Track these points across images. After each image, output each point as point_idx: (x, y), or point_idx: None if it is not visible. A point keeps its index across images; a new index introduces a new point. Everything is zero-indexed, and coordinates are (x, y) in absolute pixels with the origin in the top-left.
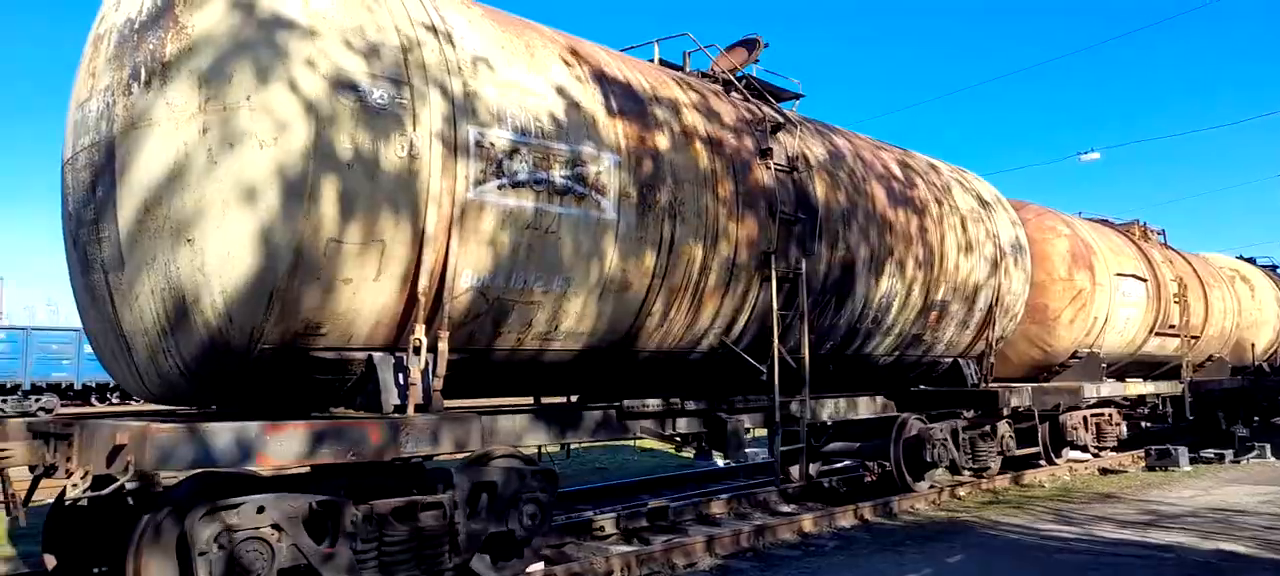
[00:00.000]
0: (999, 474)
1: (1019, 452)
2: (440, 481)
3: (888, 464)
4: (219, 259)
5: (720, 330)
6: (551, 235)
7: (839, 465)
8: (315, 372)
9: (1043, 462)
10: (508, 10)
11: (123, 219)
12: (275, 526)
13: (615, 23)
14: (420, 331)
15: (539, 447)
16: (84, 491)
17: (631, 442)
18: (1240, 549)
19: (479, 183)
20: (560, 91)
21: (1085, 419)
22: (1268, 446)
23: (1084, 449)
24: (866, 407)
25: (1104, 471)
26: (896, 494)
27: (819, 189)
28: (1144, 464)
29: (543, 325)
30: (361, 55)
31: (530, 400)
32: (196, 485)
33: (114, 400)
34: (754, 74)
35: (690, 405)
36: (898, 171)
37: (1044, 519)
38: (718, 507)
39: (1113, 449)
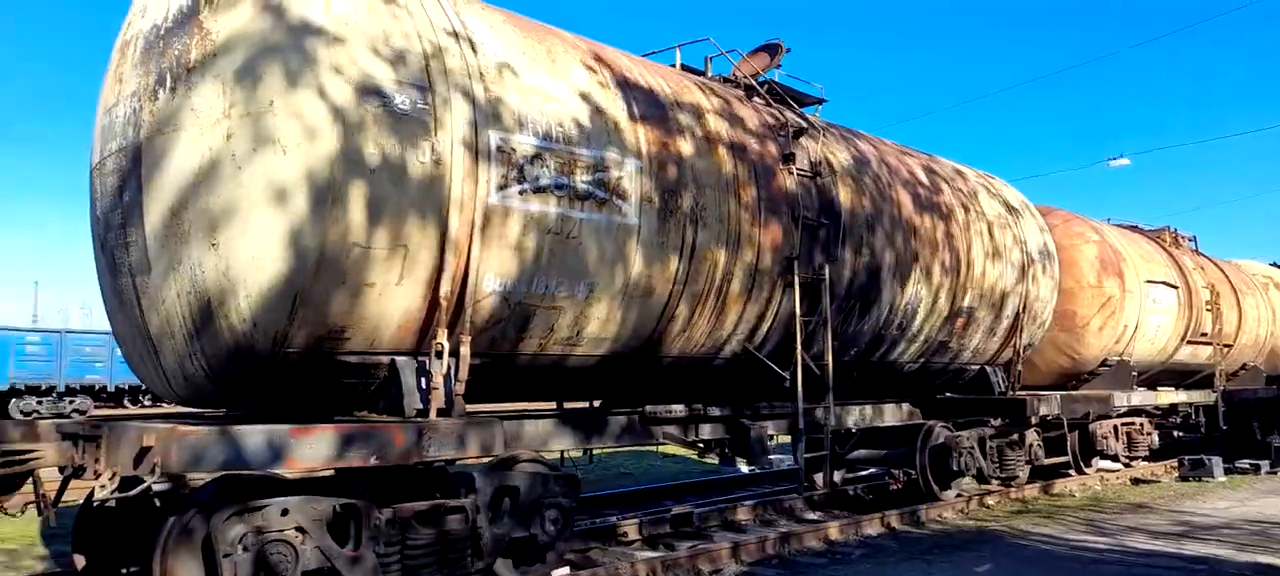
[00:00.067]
0: (1028, 483)
1: (1047, 462)
2: (463, 485)
3: (913, 472)
4: (245, 263)
5: (743, 336)
6: (574, 240)
7: (864, 472)
8: (340, 376)
9: (1072, 472)
10: (530, 16)
11: (149, 223)
12: (299, 529)
13: (635, 27)
14: (442, 335)
15: (562, 453)
16: (112, 492)
17: (655, 448)
18: (1278, 562)
19: (502, 188)
20: (583, 97)
21: (1116, 428)
22: None
23: (1115, 458)
24: (893, 415)
25: (1136, 481)
26: (923, 502)
27: (843, 194)
28: (1177, 474)
29: (566, 330)
30: (387, 62)
31: (552, 405)
32: (221, 487)
33: (146, 403)
34: (776, 79)
35: (714, 411)
36: (923, 177)
37: (1075, 529)
38: (743, 514)
39: (1144, 458)
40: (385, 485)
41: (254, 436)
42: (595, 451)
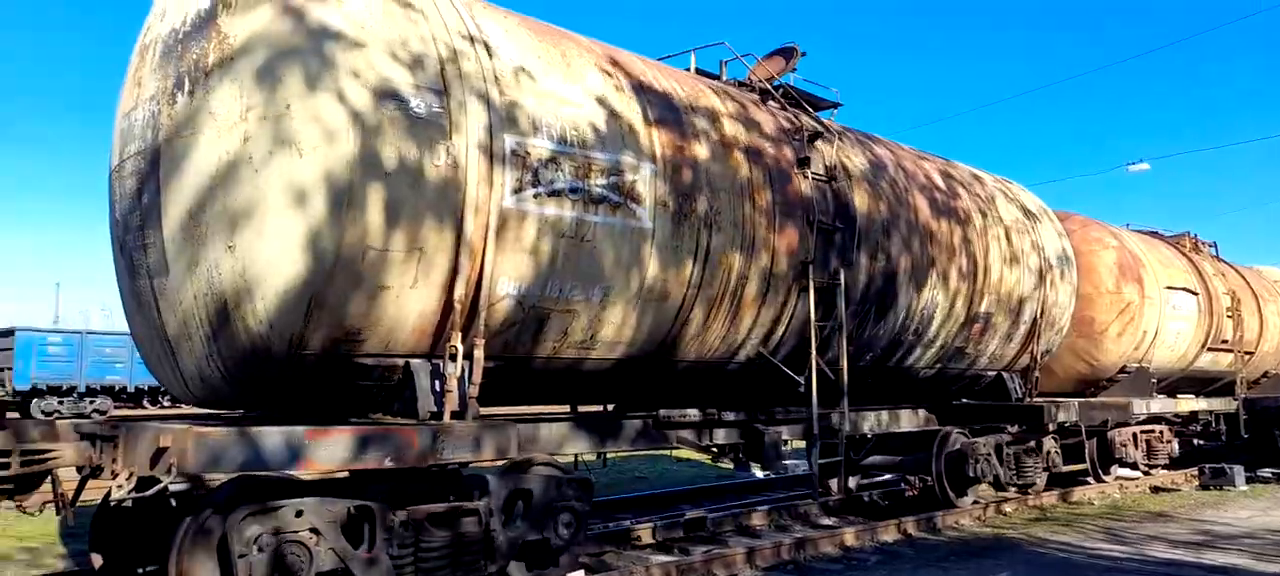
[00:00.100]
0: (1045, 490)
1: (1065, 469)
2: (476, 488)
3: (929, 478)
4: (262, 265)
5: (758, 340)
6: (589, 244)
7: (879, 479)
8: (356, 379)
9: (1090, 480)
10: (545, 20)
11: (167, 225)
12: (313, 530)
13: (649, 31)
14: (457, 338)
15: (575, 456)
16: (128, 492)
17: (669, 452)
18: None
19: (517, 191)
20: (599, 101)
21: (1135, 435)
22: None
23: (1133, 466)
24: (909, 420)
25: (1155, 489)
26: (939, 509)
27: (859, 198)
28: (1197, 482)
29: (581, 334)
30: (405, 66)
31: (566, 408)
32: (237, 488)
33: (165, 404)
34: (791, 83)
35: (728, 416)
36: (940, 182)
37: (1094, 537)
38: (757, 519)
39: (1164, 467)
40: (399, 487)
41: (272, 437)
42: (609, 455)
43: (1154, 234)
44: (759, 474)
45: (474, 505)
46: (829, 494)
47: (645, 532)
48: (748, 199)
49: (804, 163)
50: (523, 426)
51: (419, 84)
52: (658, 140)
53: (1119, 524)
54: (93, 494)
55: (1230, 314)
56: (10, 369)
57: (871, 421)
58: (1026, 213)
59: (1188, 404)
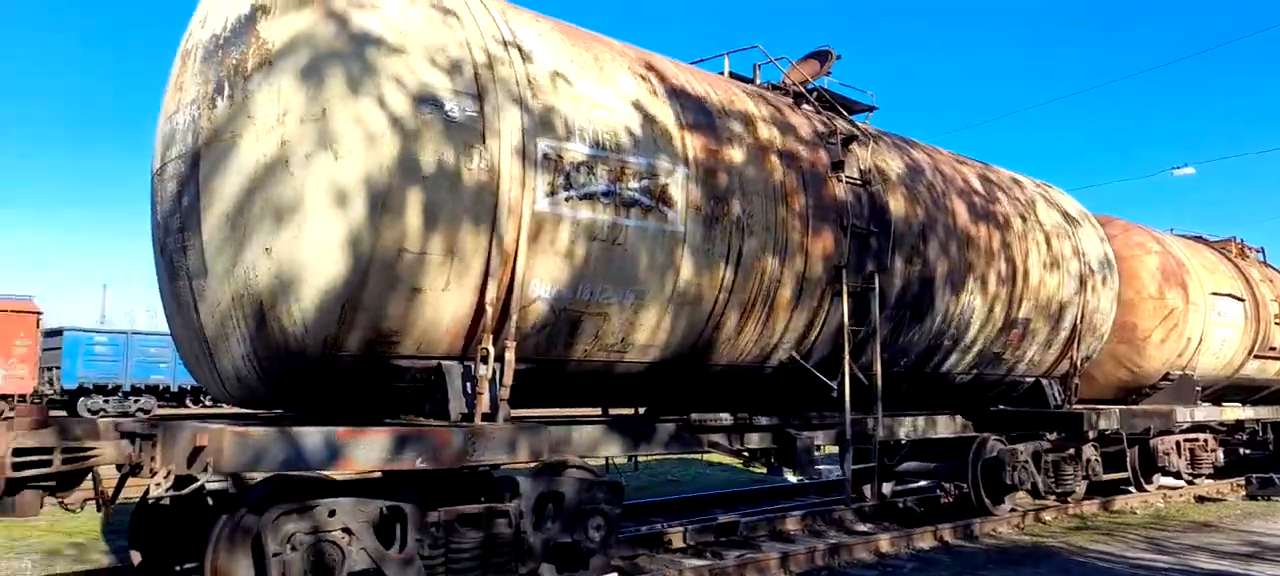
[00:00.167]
0: (1085, 499)
1: (1105, 477)
2: (507, 490)
3: (965, 485)
4: (299, 267)
5: (791, 345)
6: (621, 247)
7: (913, 485)
8: (390, 380)
9: (1132, 489)
10: (580, 24)
11: (206, 227)
12: (346, 530)
13: (682, 35)
14: (488, 341)
15: (607, 459)
16: (166, 490)
17: (700, 456)
18: None
19: (551, 194)
20: (633, 105)
21: (1178, 444)
22: None
23: (1177, 475)
24: (946, 426)
25: (1200, 499)
26: (974, 516)
27: (895, 203)
28: (1244, 493)
29: (613, 337)
30: (444, 71)
31: (597, 411)
32: (271, 487)
33: (207, 403)
34: (825, 86)
35: (761, 420)
36: (979, 186)
37: (1135, 547)
38: (791, 524)
39: (1208, 476)
40: (431, 488)
41: (312, 437)
42: (641, 458)
43: (1199, 239)
44: (792, 478)
45: (506, 507)
46: (862, 500)
47: (677, 536)
48: (782, 203)
49: (838, 166)
50: (556, 429)
51: (457, 89)
52: (691, 144)
53: (1162, 533)
54: (133, 491)
55: (1279, 321)
56: (58, 368)
57: (907, 427)
58: (1067, 217)
59: (1234, 412)
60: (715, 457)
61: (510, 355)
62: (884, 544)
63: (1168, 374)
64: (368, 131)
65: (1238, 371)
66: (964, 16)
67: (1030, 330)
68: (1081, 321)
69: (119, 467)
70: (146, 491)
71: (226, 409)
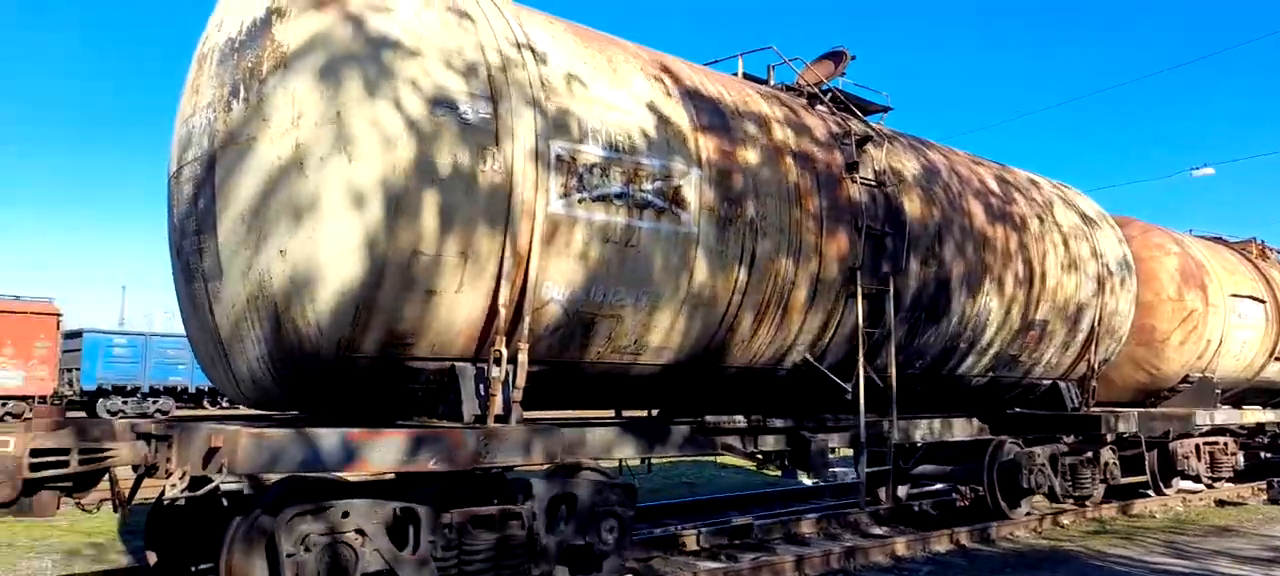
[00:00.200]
0: (1103, 502)
1: (1124, 481)
2: (520, 492)
3: (980, 489)
4: (314, 269)
5: (805, 347)
6: (635, 249)
7: (928, 488)
8: (405, 382)
9: (1150, 492)
10: (593, 26)
11: (222, 230)
12: (360, 531)
13: (696, 36)
14: (501, 342)
15: (620, 461)
16: (181, 491)
17: (714, 458)
18: None
19: (565, 196)
20: (646, 107)
21: (1197, 447)
22: None
23: (1196, 479)
24: (962, 429)
25: (1220, 503)
26: (990, 520)
27: (910, 204)
28: (1265, 496)
29: (628, 339)
30: (460, 74)
31: (611, 413)
32: (286, 488)
33: (224, 404)
34: (840, 87)
35: (775, 422)
36: (996, 187)
37: (1155, 551)
38: (806, 527)
39: (1228, 480)
40: (444, 489)
41: (329, 438)
42: (654, 461)
43: (1218, 240)
44: (806, 481)
45: (519, 508)
46: (877, 503)
47: (691, 538)
48: (796, 204)
49: (853, 167)
50: (569, 431)
51: (472, 92)
52: (705, 145)
53: (1182, 538)
54: (149, 492)
55: None
56: (78, 369)
57: (923, 430)
58: (1085, 218)
59: (1254, 415)
60: (729, 460)
61: (523, 357)
62: (899, 547)
63: (1187, 376)
64: (383, 134)
65: (1258, 374)
66: (980, 17)
67: (1047, 332)
68: (1099, 323)
69: (135, 468)
70: (162, 492)
71: (242, 410)
